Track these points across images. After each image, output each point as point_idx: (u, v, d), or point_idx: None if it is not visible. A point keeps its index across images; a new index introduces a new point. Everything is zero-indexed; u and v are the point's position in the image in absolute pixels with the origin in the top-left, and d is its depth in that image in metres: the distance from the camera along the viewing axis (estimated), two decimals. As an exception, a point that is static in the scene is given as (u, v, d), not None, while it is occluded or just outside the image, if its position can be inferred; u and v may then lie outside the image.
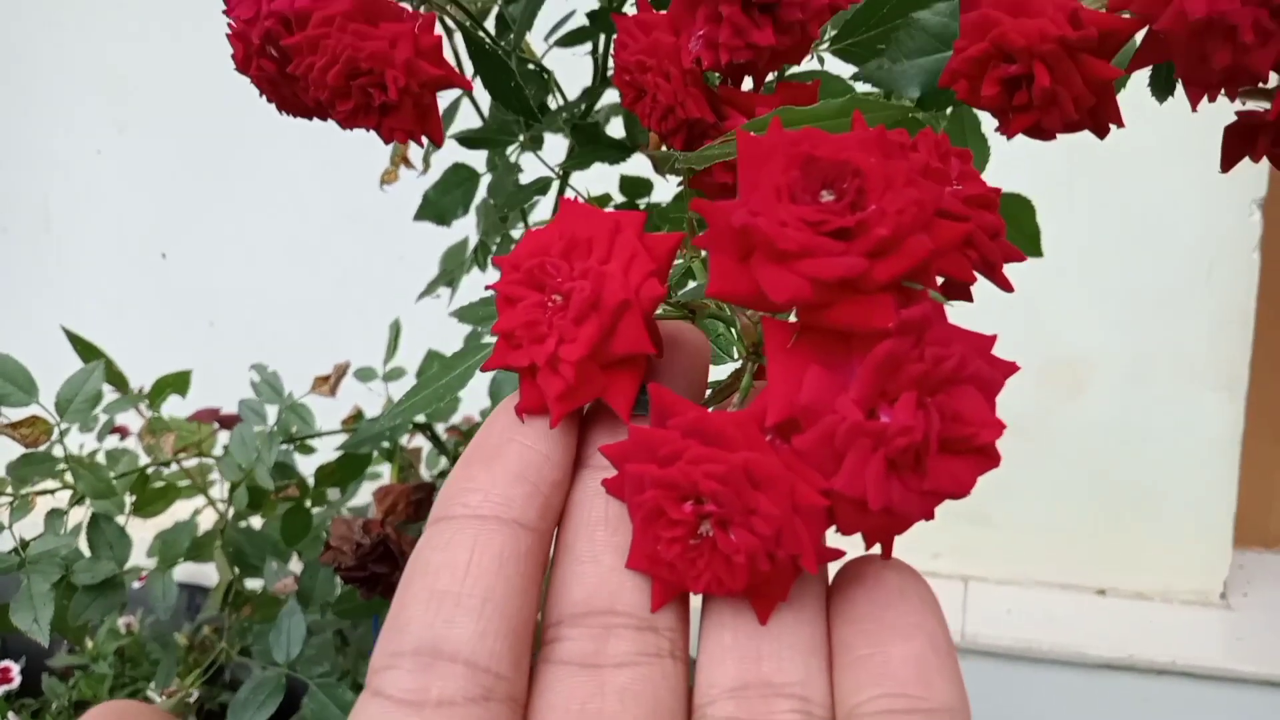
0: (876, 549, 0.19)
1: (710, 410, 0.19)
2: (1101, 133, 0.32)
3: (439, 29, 0.45)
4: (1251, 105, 0.32)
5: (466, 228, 0.69)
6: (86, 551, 0.73)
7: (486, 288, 0.25)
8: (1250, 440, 1.15)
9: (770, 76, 0.38)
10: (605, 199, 0.54)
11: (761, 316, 0.19)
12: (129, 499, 0.82)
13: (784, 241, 0.17)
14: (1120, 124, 0.32)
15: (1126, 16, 0.30)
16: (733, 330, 0.24)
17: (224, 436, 1.01)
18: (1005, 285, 0.22)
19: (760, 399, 0.18)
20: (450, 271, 0.70)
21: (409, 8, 0.36)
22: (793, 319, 0.18)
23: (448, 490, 0.20)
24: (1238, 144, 0.32)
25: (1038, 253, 0.50)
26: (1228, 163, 0.33)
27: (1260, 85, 0.29)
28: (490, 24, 0.54)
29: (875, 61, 0.37)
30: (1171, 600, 1.21)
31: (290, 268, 1.62)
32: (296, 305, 1.64)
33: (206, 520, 0.93)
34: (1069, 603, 1.22)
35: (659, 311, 0.24)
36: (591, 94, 0.48)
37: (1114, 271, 1.17)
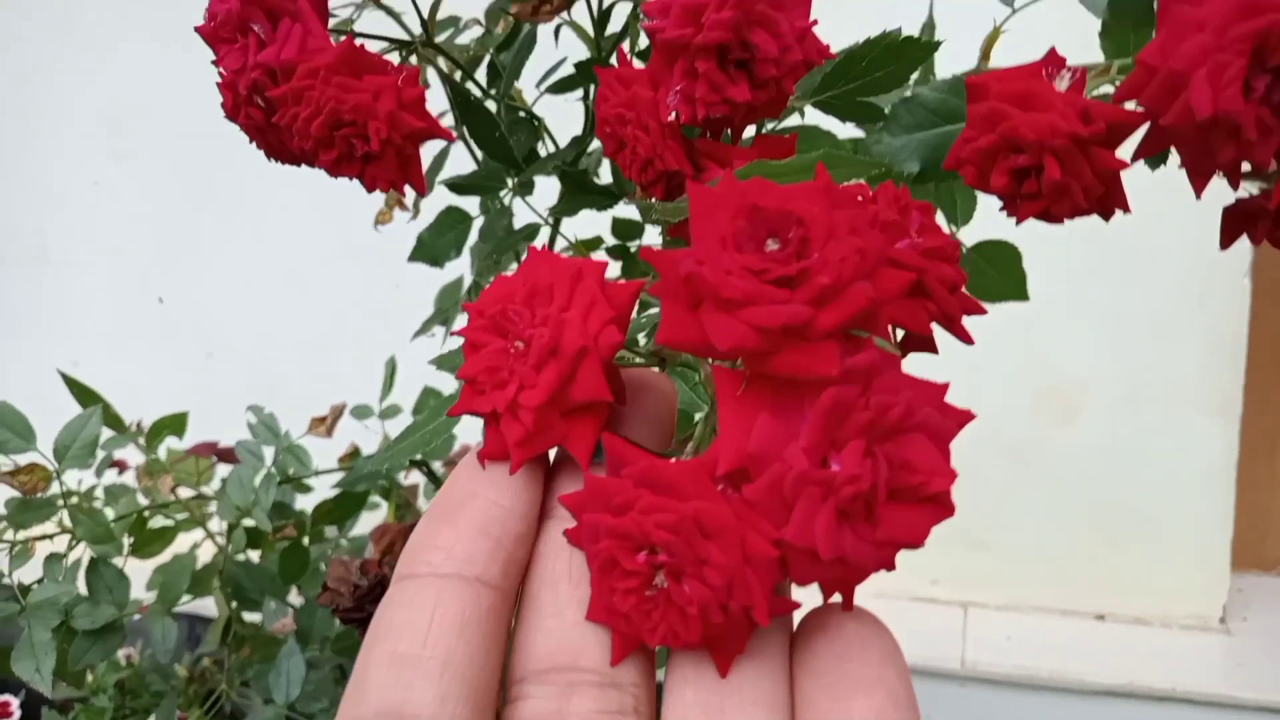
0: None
1: (674, 459, 0.20)
2: (1108, 217, 0.33)
3: (432, 75, 0.46)
4: (1249, 187, 0.33)
5: (463, 265, 0.70)
6: (84, 588, 0.74)
7: (452, 333, 0.25)
8: (1246, 463, 1.16)
9: (750, 130, 0.38)
10: (596, 241, 0.55)
11: (713, 364, 0.20)
12: (127, 540, 0.83)
13: (728, 289, 0.18)
14: (1127, 210, 0.33)
15: (1133, 109, 0.31)
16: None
17: (223, 469, 1.02)
18: (965, 338, 0.23)
19: (712, 447, 0.18)
20: (445, 310, 0.71)
21: (395, 61, 0.37)
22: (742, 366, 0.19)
23: (412, 546, 0.20)
24: (1237, 225, 0.33)
25: (1023, 296, 0.51)
26: (1226, 241, 0.34)
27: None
28: (482, 71, 0.55)
29: (874, 135, 0.38)
30: (1171, 625, 1.21)
31: (288, 300, 1.63)
32: (294, 337, 1.65)
33: (205, 553, 0.93)
34: (1068, 629, 1.22)
35: (630, 358, 0.24)
36: (581, 141, 0.49)
37: (1107, 297, 1.17)
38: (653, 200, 0.38)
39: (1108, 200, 0.34)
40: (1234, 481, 1.17)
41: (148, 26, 1.56)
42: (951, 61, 0.47)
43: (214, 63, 0.37)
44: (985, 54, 0.45)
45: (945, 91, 0.39)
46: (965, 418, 0.20)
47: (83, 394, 0.87)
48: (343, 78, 0.35)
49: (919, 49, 0.40)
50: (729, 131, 0.38)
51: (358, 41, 0.40)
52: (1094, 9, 0.45)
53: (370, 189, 0.37)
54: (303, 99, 0.35)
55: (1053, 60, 0.34)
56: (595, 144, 0.54)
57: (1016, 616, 1.25)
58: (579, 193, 0.48)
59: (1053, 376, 1.21)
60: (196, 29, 0.37)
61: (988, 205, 0.41)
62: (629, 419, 0.23)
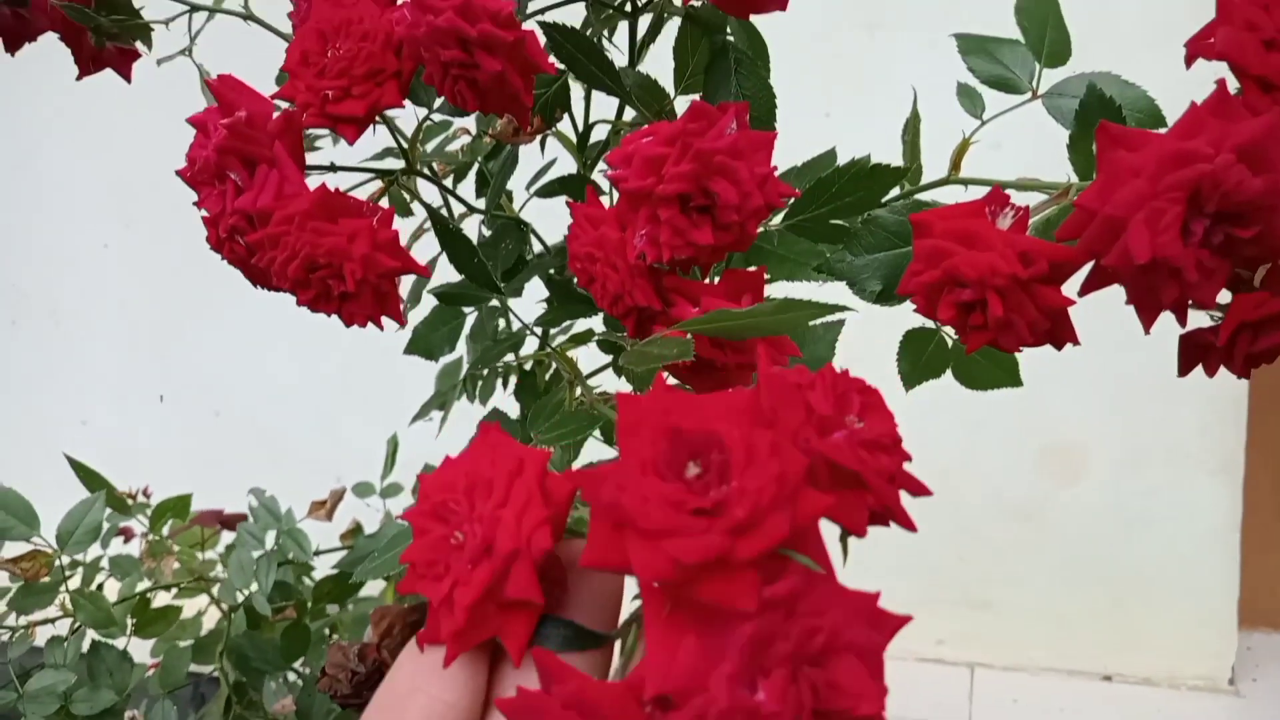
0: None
1: (604, 682, 0.20)
2: (1059, 347, 0.34)
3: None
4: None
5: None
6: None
7: (399, 517, 0.26)
8: (1250, 521, 1.15)
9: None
10: (587, 335, 0.55)
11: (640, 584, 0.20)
12: (130, 620, 0.83)
13: (646, 520, 0.19)
14: (1076, 342, 0.33)
15: (1074, 246, 0.31)
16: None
17: (228, 536, 1.03)
18: (907, 525, 0.23)
19: (639, 668, 0.19)
20: (443, 394, 0.72)
21: (370, 199, 0.38)
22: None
23: None
24: (1192, 354, 0.34)
25: (1017, 383, 0.52)
26: (1184, 368, 0.35)
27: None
28: (470, 178, 0.56)
29: (836, 255, 0.39)
30: (1179, 686, 1.19)
31: (294, 361, 1.65)
32: (300, 399, 1.67)
33: (210, 618, 0.94)
34: (1075, 689, 1.21)
35: (581, 530, 0.25)
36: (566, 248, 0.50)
37: (1107, 357, 1.17)
38: (623, 336, 0.39)
39: (1056, 333, 0.35)
40: (1239, 540, 1.16)
41: (157, 99, 1.59)
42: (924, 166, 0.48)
43: (195, 204, 0.38)
44: (955, 164, 0.46)
45: (904, 214, 0.40)
46: (899, 623, 0.20)
47: (89, 477, 0.88)
48: (318, 222, 0.36)
49: (889, 175, 0.41)
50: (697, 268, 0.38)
51: (337, 174, 0.42)
52: (1063, 121, 0.46)
53: (349, 324, 0.38)
54: (279, 244, 0.36)
55: (996, 198, 0.35)
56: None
57: (1023, 677, 1.24)
58: (566, 302, 0.49)
59: (1055, 437, 1.21)
60: (177, 172, 0.39)
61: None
62: (574, 599, 0.23)
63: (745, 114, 0.35)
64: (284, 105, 0.38)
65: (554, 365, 0.59)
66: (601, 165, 0.46)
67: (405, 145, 0.43)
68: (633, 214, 0.36)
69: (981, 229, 0.34)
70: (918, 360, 0.52)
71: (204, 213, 0.40)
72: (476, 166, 0.55)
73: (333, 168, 0.41)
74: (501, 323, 0.57)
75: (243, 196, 0.36)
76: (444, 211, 0.55)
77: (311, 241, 0.35)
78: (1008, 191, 0.35)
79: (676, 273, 0.38)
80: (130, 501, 1.34)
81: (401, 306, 0.38)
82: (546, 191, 0.54)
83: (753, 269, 0.39)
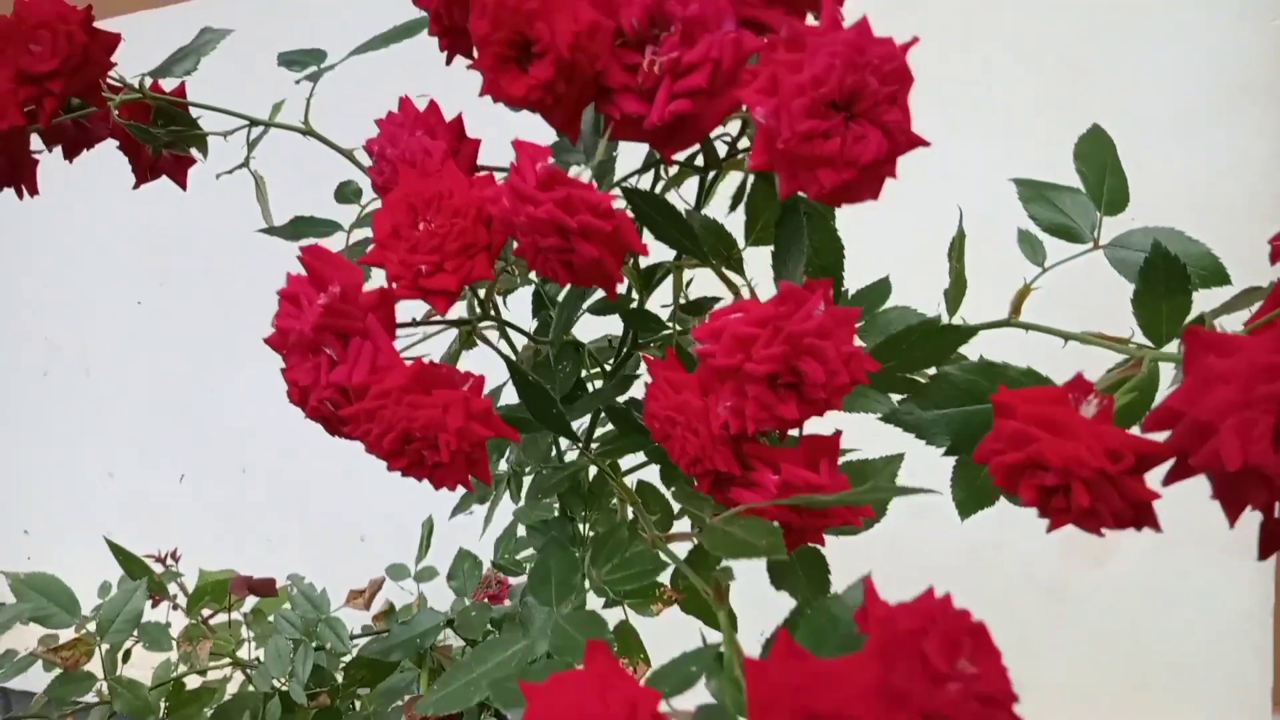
0: None
1: None
2: (1139, 529, 0.35)
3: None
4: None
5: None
6: None
7: None
8: (1282, 606, 1.15)
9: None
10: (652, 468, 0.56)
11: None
12: (163, 703, 0.84)
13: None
14: (1158, 529, 0.34)
15: (1161, 442, 0.32)
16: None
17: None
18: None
19: None
20: (485, 490, 0.73)
21: (449, 355, 0.39)
22: None
23: None
24: (1273, 541, 0.35)
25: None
26: (1265, 553, 0.35)
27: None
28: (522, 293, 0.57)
29: (905, 406, 0.40)
30: (1211, 771, 1.18)
31: (322, 419, 1.66)
32: (325, 456, 1.67)
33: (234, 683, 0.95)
34: (1105, 773, 1.20)
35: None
36: (624, 375, 0.51)
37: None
38: (698, 494, 0.40)
39: (1139, 520, 0.35)
40: (1270, 623, 1.16)
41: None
42: (978, 307, 0.49)
43: (283, 372, 0.39)
44: (1015, 309, 0.47)
45: (973, 373, 0.40)
46: None
47: (129, 562, 0.89)
48: (414, 396, 0.37)
49: (957, 334, 0.42)
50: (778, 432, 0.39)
51: (420, 354, 0.43)
52: (1126, 274, 0.47)
53: (437, 488, 0.39)
54: (375, 418, 0.37)
55: (1079, 385, 0.36)
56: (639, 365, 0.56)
57: (1051, 757, 1.24)
58: (628, 432, 0.50)
59: (1083, 515, 1.21)
60: (265, 340, 0.40)
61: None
62: None
63: (830, 290, 0.36)
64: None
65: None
66: (678, 322, 0.46)
67: (481, 301, 0.44)
68: (717, 385, 0.37)
69: (1066, 417, 0.34)
70: (971, 487, 0.53)
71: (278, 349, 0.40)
72: (533, 288, 0.56)
73: (414, 322, 0.42)
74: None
75: (337, 370, 0.37)
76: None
77: (408, 416, 0.36)
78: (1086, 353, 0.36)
79: (756, 438, 0.39)
80: (160, 565, 1.35)
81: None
82: (600, 309, 0.55)
83: (830, 434, 0.39)
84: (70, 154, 0.62)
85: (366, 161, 0.64)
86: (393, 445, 0.37)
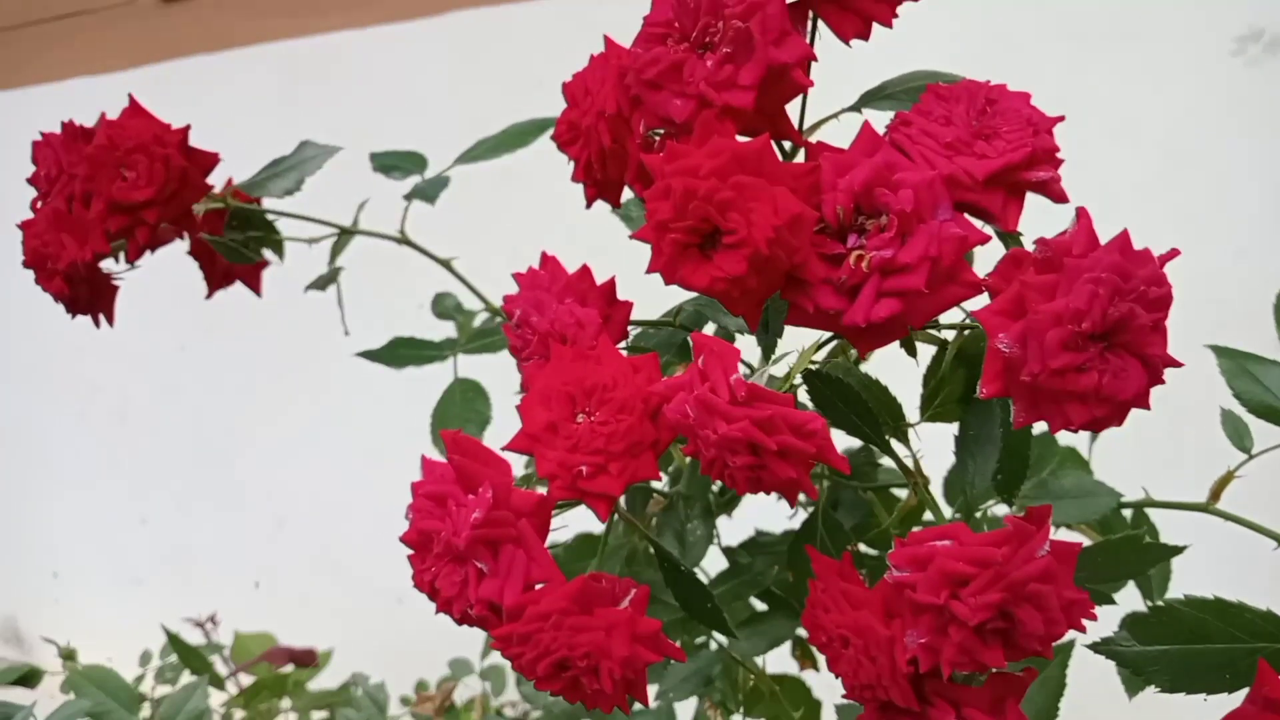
0: None
1: None
2: None
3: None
4: None
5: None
6: None
7: None
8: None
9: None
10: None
11: None
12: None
13: None
14: None
15: None
16: None
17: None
18: None
19: None
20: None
21: (617, 574, 0.35)
22: None
23: None
24: None
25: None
26: None
27: None
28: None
29: (1120, 635, 0.36)
30: None
31: (363, 475, 1.62)
32: (365, 511, 1.63)
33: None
34: None
35: None
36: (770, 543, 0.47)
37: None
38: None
39: None
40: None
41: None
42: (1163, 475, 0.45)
43: (419, 573, 0.35)
44: (1215, 495, 0.42)
45: (1203, 611, 0.36)
46: None
47: (188, 655, 0.85)
48: (574, 618, 0.33)
49: (1161, 551, 0.37)
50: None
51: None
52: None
53: (590, 708, 0.35)
54: (530, 641, 0.33)
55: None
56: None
57: None
58: (779, 614, 0.45)
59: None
60: (402, 538, 0.36)
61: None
62: None
63: (1048, 519, 0.32)
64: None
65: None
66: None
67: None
68: (910, 616, 0.33)
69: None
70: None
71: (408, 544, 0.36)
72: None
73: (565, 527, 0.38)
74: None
75: (487, 584, 0.33)
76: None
77: (568, 642, 0.32)
78: None
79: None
80: (199, 629, 1.32)
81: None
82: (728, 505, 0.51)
83: (1020, 674, 0.35)
84: (133, 255, 0.58)
85: (464, 271, 0.60)
86: (548, 671, 0.33)
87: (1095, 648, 0.37)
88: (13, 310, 1.90)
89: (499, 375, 0.59)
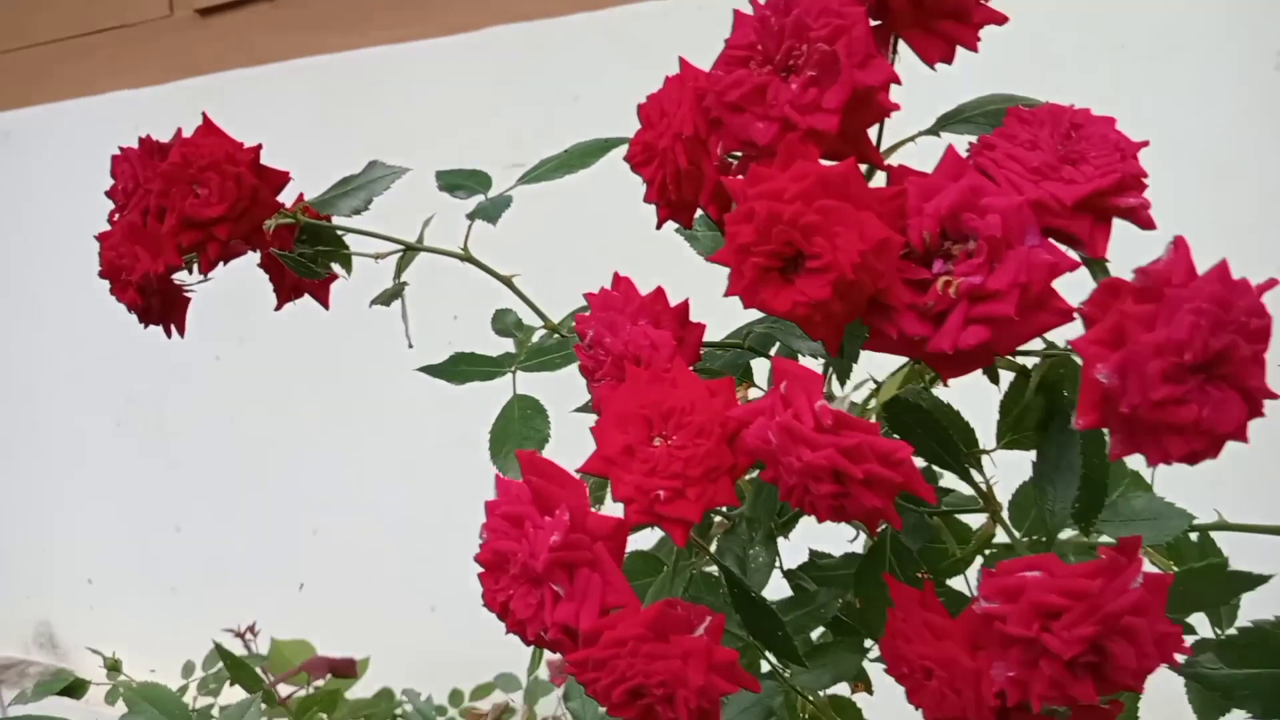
0: None
1: None
2: None
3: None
4: None
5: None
6: None
7: None
8: None
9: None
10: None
11: None
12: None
13: None
14: None
15: None
16: None
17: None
18: None
19: None
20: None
21: (694, 603, 0.34)
22: None
23: None
24: None
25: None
26: None
27: None
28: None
29: (1206, 658, 0.35)
30: None
31: (398, 487, 1.62)
32: (399, 520, 1.64)
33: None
34: None
35: None
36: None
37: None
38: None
39: None
40: None
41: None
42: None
43: (490, 596, 0.35)
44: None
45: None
46: None
47: (237, 669, 0.85)
48: (651, 645, 0.32)
49: (1245, 580, 0.37)
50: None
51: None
52: None
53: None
54: (605, 667, 0.32)
55: None
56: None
57: None
58: (843, 638, 0.45)
59: None
60: (476, 558, 0.36)
61: None
62: None
63: (1138, 549, 0.32)
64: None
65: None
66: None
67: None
68: (997, 648, 0.32)
69: None
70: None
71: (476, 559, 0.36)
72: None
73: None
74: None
75: (562, 608, 0.33)
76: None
77: (644, 670, 0.32)
78: None
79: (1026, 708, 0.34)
80: (239, 639, 1.32)
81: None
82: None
83: (1107, 704, 0.34)
84: (206, 271, 0.58)
85: (526, 290, 0.60)
86: (622, 698, 0.33)
87: (1180, 671, 0.36)
88: (51, 319, 1.93)
89: (550, 391, 0.59)
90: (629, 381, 0.36)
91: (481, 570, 0.37)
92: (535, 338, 0.54)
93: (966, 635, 0.34)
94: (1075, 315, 0.31)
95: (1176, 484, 0.47)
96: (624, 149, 0.40)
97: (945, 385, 0.35)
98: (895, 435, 0.36)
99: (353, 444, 1.64)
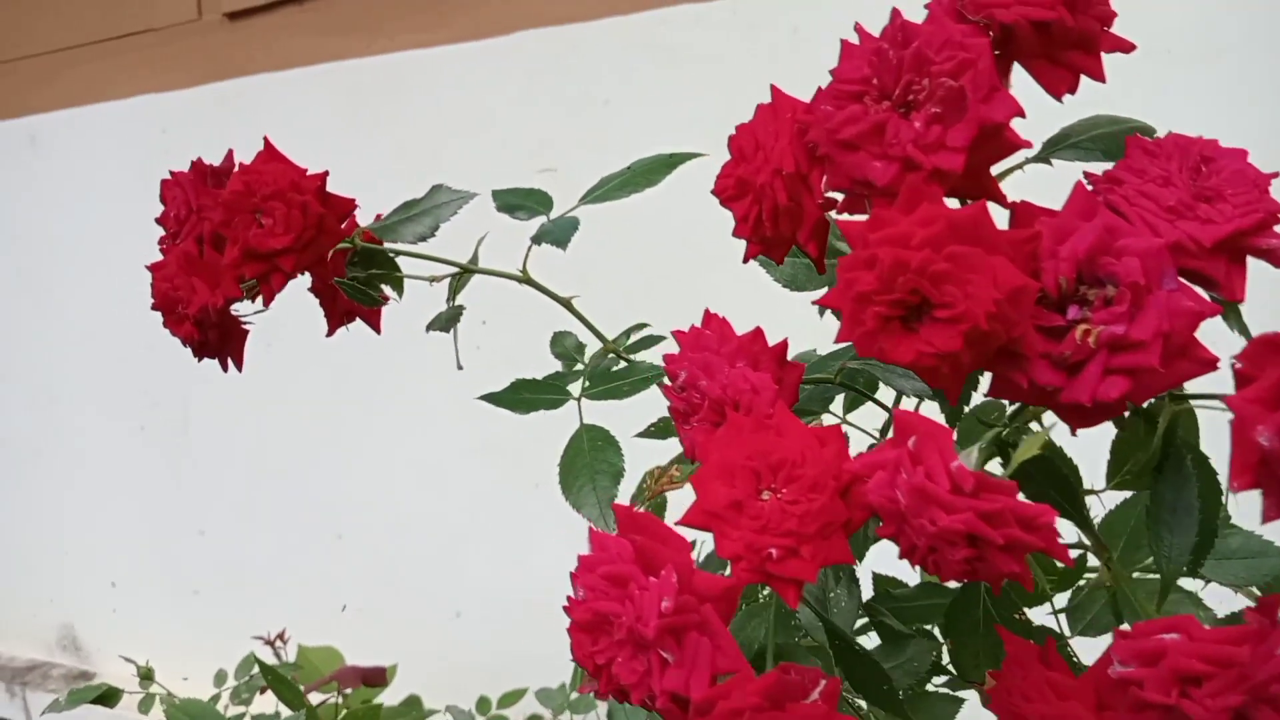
0: None
1: None
2: None
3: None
4: None
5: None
6: None
7: None
8: None
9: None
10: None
11: None
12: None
13: None
14: None
15: None
16: None
17: None
18: None
19: None
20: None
21: (813, 664, 0.33)
22: None
23: None
24: None
25: None
26: None
27: None
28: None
29: None
30: None
31: (421, 490, 1.61)
32: (424, 526, 1.63)
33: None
34: None
35: None
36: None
37: None
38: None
39: None
40: None
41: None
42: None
43: (584, 654, 0.33)
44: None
45: None
46: None
47: (280, 686, 0.84)
48: (768, 714, 0.31)
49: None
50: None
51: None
52: None
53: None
54: (719, 736, 0.31)
55: None
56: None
57: None
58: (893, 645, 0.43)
59: None
60: (566, 607, 0.34)
61: None
62: None
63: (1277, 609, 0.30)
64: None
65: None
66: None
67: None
68: (1131, 713, 0.31)
69: None
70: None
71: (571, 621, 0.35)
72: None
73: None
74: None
75: (670, 675, 0.31)
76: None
77: (762, 736, 0.30)
78: None
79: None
80: (269, 647, 1.31)
81: None
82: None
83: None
84: (268, 303, 0.57)
85: (585, 312, 0.59)
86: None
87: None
88: (74, 324, 1.92)
89: (606, 416, 0.57)
90: (729, 428, 0.34)
91: (573, 624, 0.35)
92: (586, 356, 0.53)
93: (1093, 695, 0.32)
94: (1218, 365, 0.30)
95: (1254, 518, 0.46)
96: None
97: (1074, 435, 0.33)
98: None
99: (377, 448, 1.63)
